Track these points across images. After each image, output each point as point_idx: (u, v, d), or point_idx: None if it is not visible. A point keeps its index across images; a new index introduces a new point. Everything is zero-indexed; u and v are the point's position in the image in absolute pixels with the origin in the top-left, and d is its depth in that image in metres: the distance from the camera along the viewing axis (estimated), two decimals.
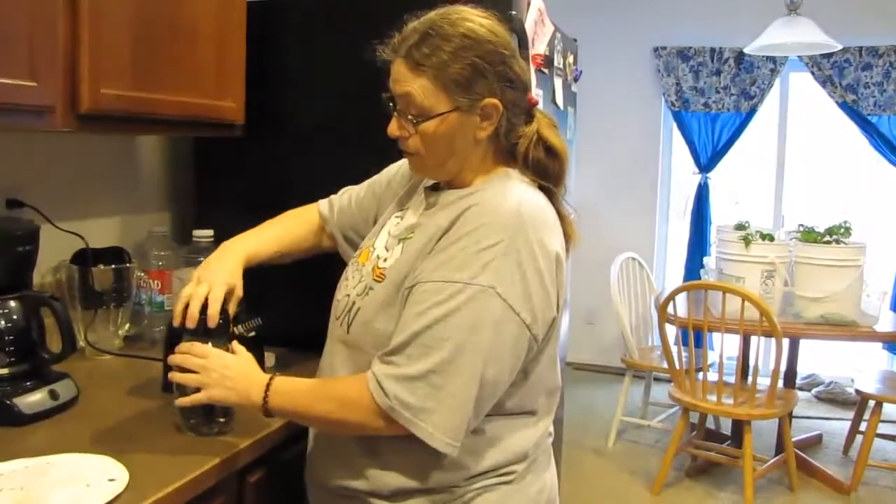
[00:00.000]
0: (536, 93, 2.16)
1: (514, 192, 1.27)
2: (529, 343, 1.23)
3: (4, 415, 1.47)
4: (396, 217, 1.43)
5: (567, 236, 1.35)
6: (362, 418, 1.22)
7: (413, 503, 1.29)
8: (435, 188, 1.40)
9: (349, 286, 1.38)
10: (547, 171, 1.34)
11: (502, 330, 1.19)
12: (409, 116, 1.27)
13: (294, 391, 1.31)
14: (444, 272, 1.20)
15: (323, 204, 1.69)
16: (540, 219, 1.26)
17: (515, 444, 1.32)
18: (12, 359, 1.54)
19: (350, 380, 1.28)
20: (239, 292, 1.47)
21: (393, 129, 1.31)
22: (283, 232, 1.65)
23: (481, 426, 1.28)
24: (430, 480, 1.28)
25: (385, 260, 1.33)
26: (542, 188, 1.34)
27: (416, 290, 1.22)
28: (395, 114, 1.30)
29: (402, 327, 1.21)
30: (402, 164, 1.56)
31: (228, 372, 1.33)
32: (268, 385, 1.30)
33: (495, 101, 1.26)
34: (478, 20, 1.26)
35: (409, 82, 1.25)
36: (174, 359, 1.37)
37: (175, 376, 1.37)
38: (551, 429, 1.45)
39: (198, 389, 1.33)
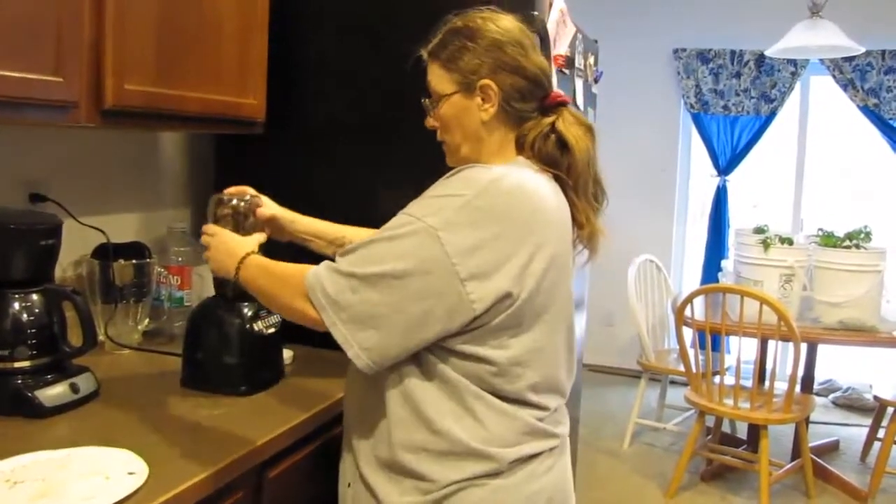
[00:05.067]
0: None
1: (507, 167, 1.32)
2: (460, 300, 1.22)
3: (26, 407, 1.48)
4: None
5: (579, 225, 1.39)
6: (291, 295, 1.31)
7: (402, 485, 1.31)
8: None
9: None
10: (556, 162, 1.37)
11: (431, 271, 1.22)
12: (427, 102, 1.43)
13: (255, 267, 1.44)
14: (410, 207, 1.29)
15: None
16: (521, 192, 1.28)
17: (496, 430, 1.30)
18: (34, 352, 1.55)
19: (298, 266, 1.36)
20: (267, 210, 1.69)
21: (427, 121, 1.45)
22: (354, 228, 1.75)
23: (460, 399, 1.29)
24: (409, 438, 1.30)
25: None
26: (558, 179, 1.38)
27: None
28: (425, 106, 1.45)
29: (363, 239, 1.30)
30: None
31: (221, 247, 1.52)
32: (242, 259, 1.45)
33: (489, 81, 1.35)
34: (489, 15, 1.39)
35: (429, 73, 1.42)
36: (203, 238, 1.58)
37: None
38: (558, 430, 1.42)
39: None
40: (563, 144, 1.36)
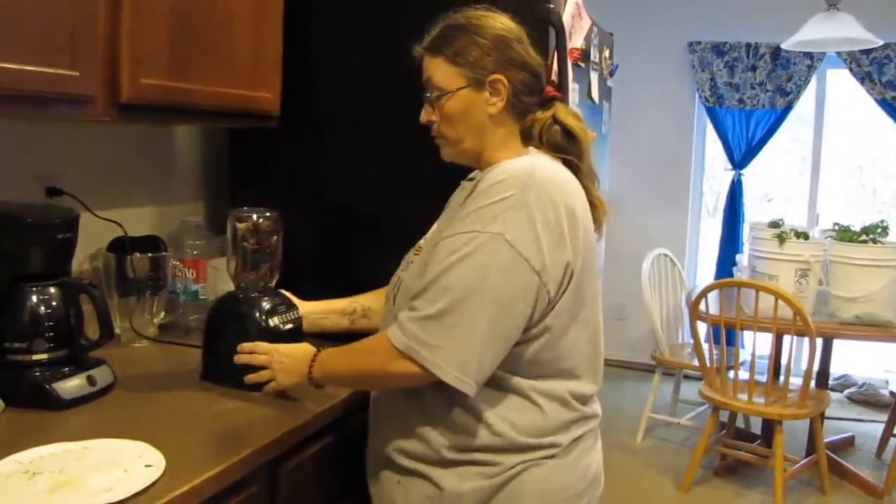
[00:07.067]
0: (573, 87, 2.15)
1: (531, 159, 1.38)
2: (539, 290, 1.30)
3: (44, 399, 1.49)
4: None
5: (593, 205, 1.44)
6: (383, 362, 1.33)
7: (462, 471, 1.36)
8: (471, 180, 1.51)
9: (399, 269, 1.53)
10: (565, 150, 1.43)
11: (511, 274, 1.28)
12: (430, 96, 1.44)
13: (331, 357, 1.47)
14: (461, 226, 1.31)
15: None
16: (554, 179, 1.35)
17: (555, 415, 1.39)
18: (51, 344, 1.56)
19: (373, 335, 1.43)
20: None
21: (422, 115, 1.47)
22: (363, 294, 1.80)
23: (519, 387, 1.36)
24: (470, 442, 1.36)
25: (424, 239, 1.51)
26: (567, 164, 1.43)
27: (438, 245, 1.34)
28: (425, 101, 1.46)
29: (423, 278, 1.32)
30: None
31: (286, 359, 1.53)
32: (313, 358, 1.48)
33: (500, 76, 1.39)
34: (487, 13, 1.44)
35: (430, 68, 1.44)
36: (242, 358, 1.59)
37: (251, 378, 1.57)
38: (598, 409, 1.51)
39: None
40: (568, 133, 1.44)
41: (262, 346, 1.58)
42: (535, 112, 1.45)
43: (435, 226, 1.52)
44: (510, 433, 1.35)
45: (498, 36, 1.40)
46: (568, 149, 1.43)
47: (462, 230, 1.30)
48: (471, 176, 1.54)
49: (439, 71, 1.42)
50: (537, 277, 1.29)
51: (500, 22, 1.43)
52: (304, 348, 1.53)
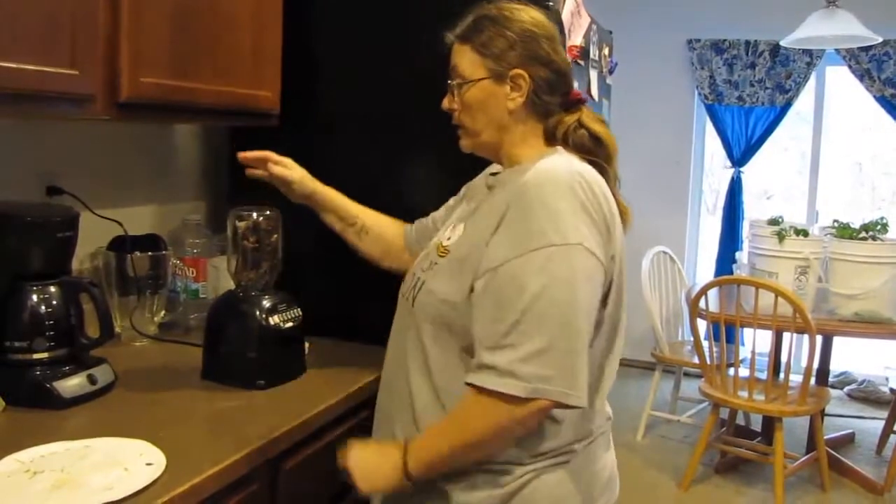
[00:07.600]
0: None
1: (564, 158, 1.35)
2: (603, 287, 1.30)
3: (44, 398, 1.49)
4: (462, 207, 1.52)
5: (619, 211, 1.40)
6: (508, 414, 1.20)
7: (473, 481, 1.31)
8: (495, 174, 1.48)
9: (415, 266, 1.47)
10: (593, 151, 1.40)
11: (595, 280, 1.26)
12: (452, 83, 1.42)
13: (426, 443, 1.30)
14: (528, 242, 1.23)
15: (408, 226, 1.74)
16: (592, 177, 1.31)
17: (573, 422, 1.35)
18: (52, 343, 1.56)
19: (465, 399, 1.26)
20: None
21: (444, 102, 1.45)
22: (372, 211, 1.73)
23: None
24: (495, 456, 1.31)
25: (448, 238, 1.42)
26: (593, 166, 1.38)
27: (505, 270, 1.23)
28: (448, 88, 1.44)
29: (503, 310, 1.21)
30: (471, 181, 1.61)
31: (368, 465, 1.34)
32: (404, 455, 1.29)
33: (522, 72, 1.37)
34: (521, 6, 1.42)
35: (457, 55, 1.42)
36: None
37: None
38: (609, 410, 1.50)
39: None
40: (595, 138, 1.40)
41: (347, 448, 1.38)
42: (561, 114, 1.41)
43: (461, 226, 1.41)
44: (523, 448, 1.31)
45: (526, 30, 1.38)
46: (595, 152, 1.40)
47: (533, 246, 1.22)
48: (493, 171, 1.50)
49: (465, 59, 1.40)
50: (604, 277, 1.28)
51: (531, 16, 1.40)
52: (386, 453, 1.33)
